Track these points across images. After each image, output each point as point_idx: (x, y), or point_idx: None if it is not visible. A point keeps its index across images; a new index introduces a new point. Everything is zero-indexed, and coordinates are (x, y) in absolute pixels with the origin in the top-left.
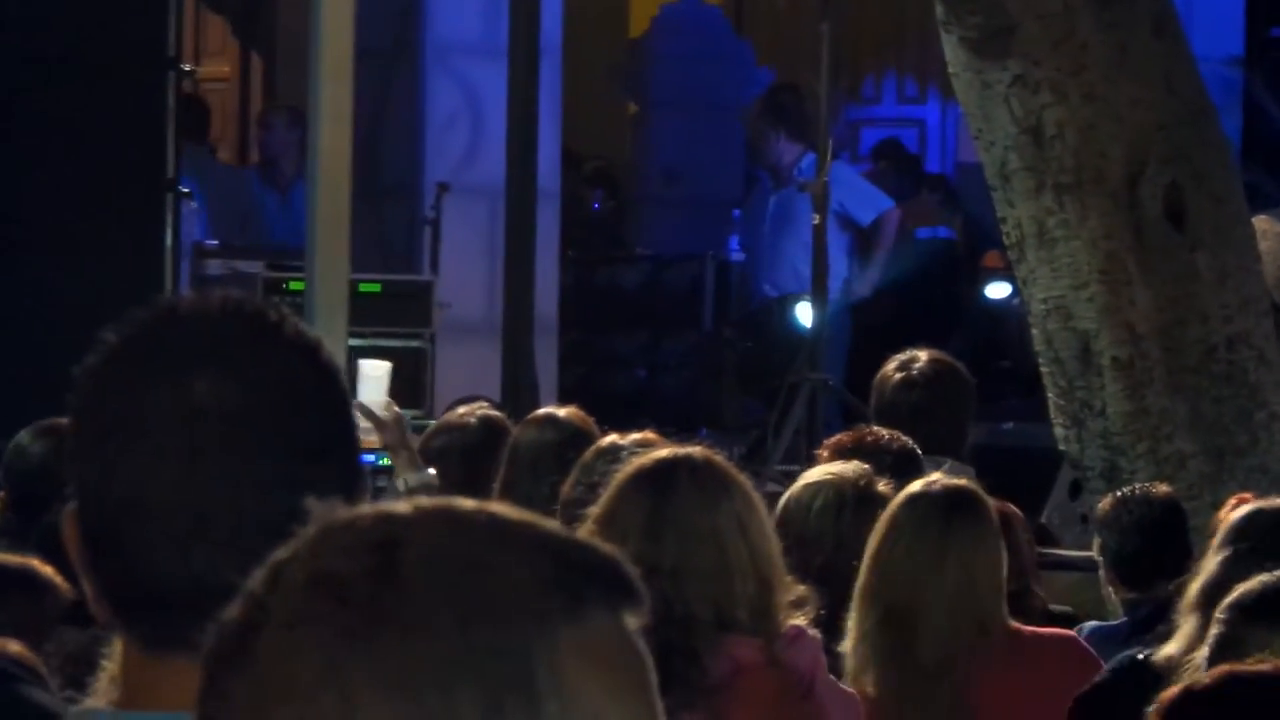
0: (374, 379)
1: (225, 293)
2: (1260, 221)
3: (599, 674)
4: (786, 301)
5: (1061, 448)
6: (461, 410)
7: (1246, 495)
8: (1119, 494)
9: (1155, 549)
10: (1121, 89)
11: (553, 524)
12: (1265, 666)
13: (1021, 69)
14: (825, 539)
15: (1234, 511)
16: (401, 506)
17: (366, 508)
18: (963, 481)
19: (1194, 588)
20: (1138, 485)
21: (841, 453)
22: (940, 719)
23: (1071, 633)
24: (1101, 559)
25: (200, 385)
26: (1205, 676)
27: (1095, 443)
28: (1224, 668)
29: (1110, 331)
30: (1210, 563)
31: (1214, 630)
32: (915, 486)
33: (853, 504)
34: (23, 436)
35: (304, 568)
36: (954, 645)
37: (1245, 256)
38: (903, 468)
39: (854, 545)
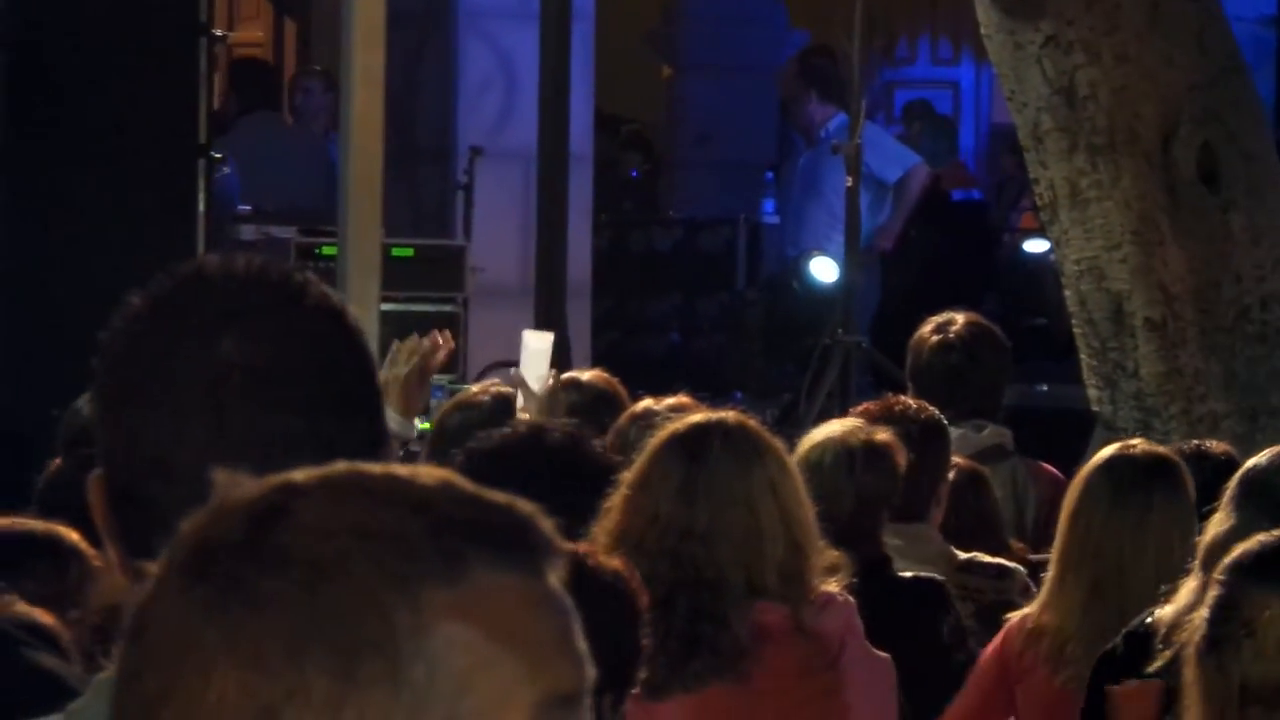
0: (536, 350)
1: (250, 256)
2: None
3: (480, 635)
4: (803, 258)
5: (1095, 409)
6: (475, 388)
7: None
8: (1177, 450)
9: (1211, 506)
10: (1154, 49)
11: (458, 483)
12: None
13: (1054, 29)
14: (844, 496)
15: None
16: (301, 474)
17: (272, 477)
18: (1162, 449)
19: (1200, 547)
20: (1195, 442)
21: (870, 419)
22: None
23: None
24: None
25: (226, 345)
26: None
27: (1128, 404)
28: None
29: (1143, 292)
30: (1217, 523)
31: (1212, 592)
32: (1111, 450)
33: (862, 458)
34: (80, 401)
35: (187, 541)
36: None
37: (1278, 216)
38: (930, 437)
39: (873, 499)
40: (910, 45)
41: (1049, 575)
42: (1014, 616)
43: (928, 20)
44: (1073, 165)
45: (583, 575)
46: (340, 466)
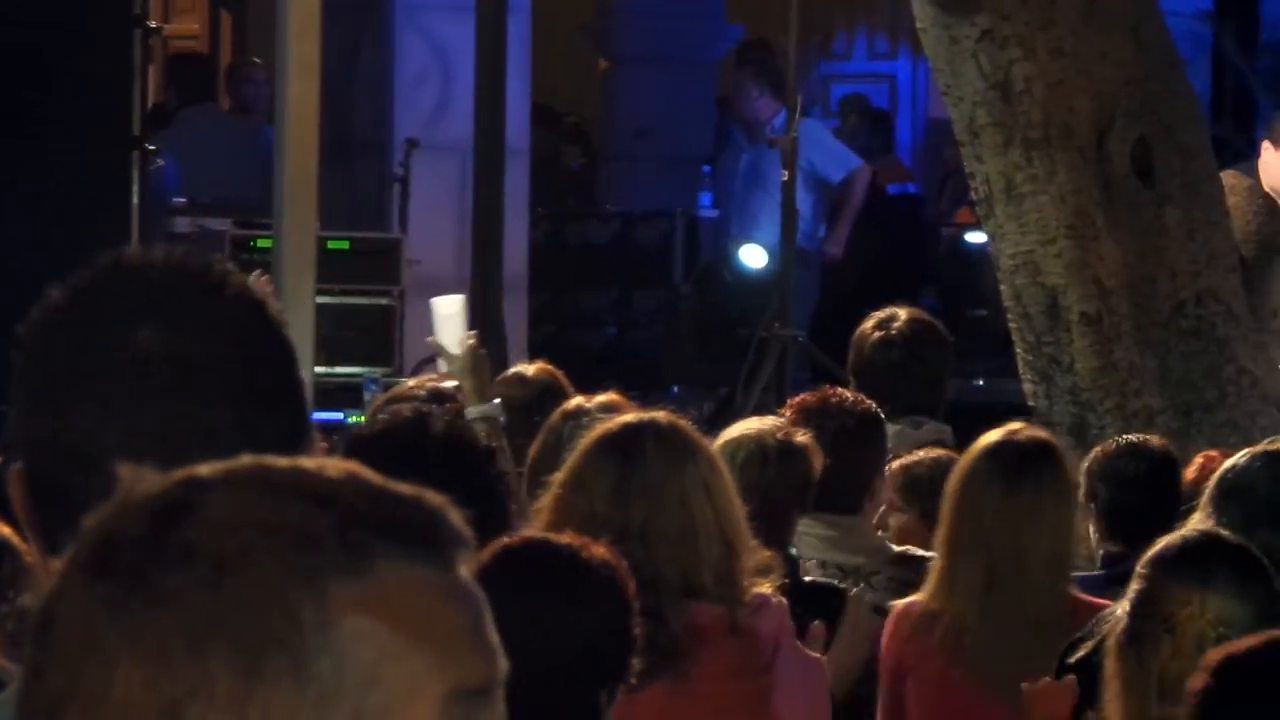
0: (447, 316)
1: (170, 247)
2: (1228, 176)
3: (387, 628)
4: (732, 246)
5: (1030, 404)
6: (411, 382)
7: (1213, 453)
8: (1115, 444)
9: (1150, 502)
10: (1090, 44)
11: (366, 476)
12: None
13: (990, 24)
14: (751, 493)
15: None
16: (206, 468)
17: (178, 471)
18: (1043, 433)
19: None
20: (1134, 436)
21: (805, 412)
22: (1015, 679)
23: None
24: (1089, 509)
25: (146, 335)
26: (1255, 638)
27: (1063, 399)
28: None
29: (1078, 287)
30: (1196, 523)
31: (1134, 585)
32: (995, 436)
33: (775, 456)
34: None
35: (90, 536)
36: (1054, 599)
37: (1213, 211)
38: (865, 430)
39: (779, 498)
40: (847, 39)
41: (937, 564)
42: (898, 606)
43: (864, 14)
44: (1008, 160)
45: (579, 567)
46: (246, 460)
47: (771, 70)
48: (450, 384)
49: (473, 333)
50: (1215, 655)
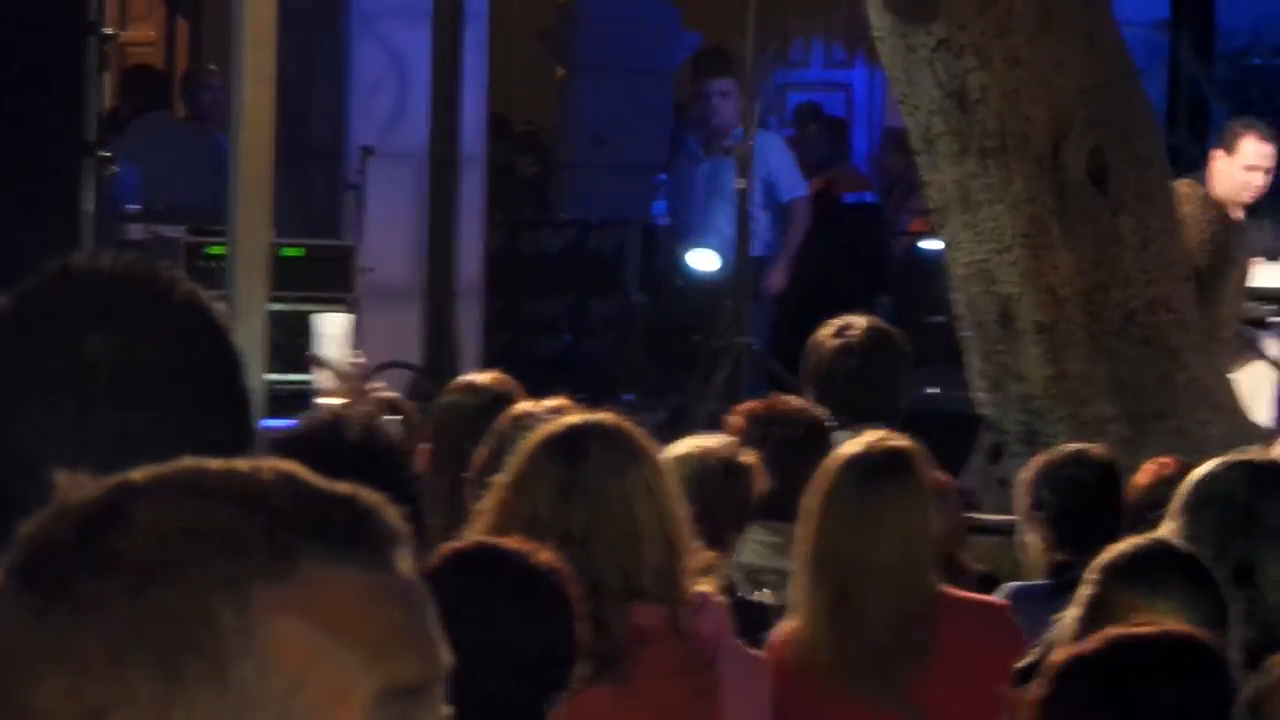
0: (331, 335)
1: (118, 254)
2: (1182, 185)
3: (313, 630)
4: (680, 250)
5: (981, 412)
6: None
7: (1167, 460)
8: (1061, 453)
9: (1097, 511)
10: (1045, 53)
11: (299, 477)
12: (1149, 629)
13: (946, 33)
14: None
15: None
16: (140, 473)
17: (111, 477)
18: (899, 442)
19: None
20: (1078, 445)
21: (753, 420)
22: (889, 685)
23: (1000, 600)
24: (1035, 517)
25: (92, 342)
26: (1092, 640)
27: (1015, 407)
28: (1110, 631)
29: (1032, 295)
30: (1167, 532)
31: (1085, 590)
32: (852, 448)
33: (718, 475)
34: None
35: (22, 544)
36: (901, 611)
37: (1167, 220)
38: (813, 439)
39: (720, 515)
40: (803, 48)
41: (795, 581)
42: (775, 633)
43: (821, 23)
44: (964, 168)
45: (528, 572)
46: (180, 464)
47: (736, 73)
48: (334, 399)
49: (356, 352)
50: (1058, 658)
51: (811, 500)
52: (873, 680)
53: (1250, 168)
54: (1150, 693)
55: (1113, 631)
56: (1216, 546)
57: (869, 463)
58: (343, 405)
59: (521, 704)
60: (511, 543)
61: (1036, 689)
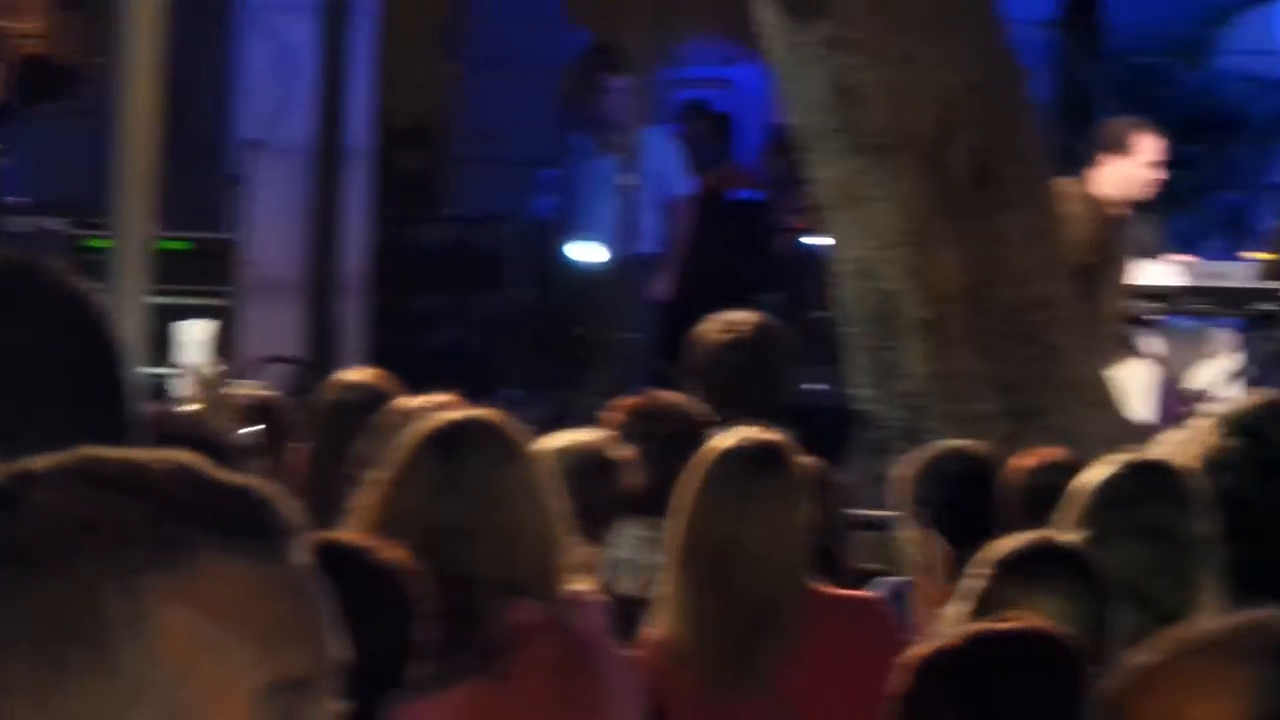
0: (193, 341)
1: None
2: (1066, 184)
3: (201, 620)
4: (561, 241)
5: (863, 408)
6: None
7: (1053, 451)
8: (941, 449)
9: (978, 506)
10: (932, 51)
11: (196, 468)
12: (1012, 624)
13: (833, 30)
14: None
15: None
16: (37, 463)
17: (8, 466)
18: (771, 436)
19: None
20: (957, 442)
21: (633, 416)
22: (757, 677)
23: (872, 595)
24: (916, 513)
25: None
26: (955, 634)
27: (897, 403)
28: (974, 625)
29: (916, 292)
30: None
31: (973, 584)
32: (725, 440)
33: (594, 470)
34: None
35: None
36: (769, 604)
37: (1050, 219)
38: (692, 435)
39: (596, 510)
40: (690, 44)
41: (667, 574)
42: (648, 632)
43: (708, 19)
44: (850, 165)
45: (364, 570)
46: (77, 454)
47: (624, 70)
48: (193, 405)
49: (212, 360)
50: (920, 652)
51: (684, 493)
52: (740, 672)
53: (1151, 164)
54: (1004, 687)
55: (973, 626)
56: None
57: (741, 455)
58: (197, 411)
59: (353, 701)
60: (353, 538)
61: (898, 682)
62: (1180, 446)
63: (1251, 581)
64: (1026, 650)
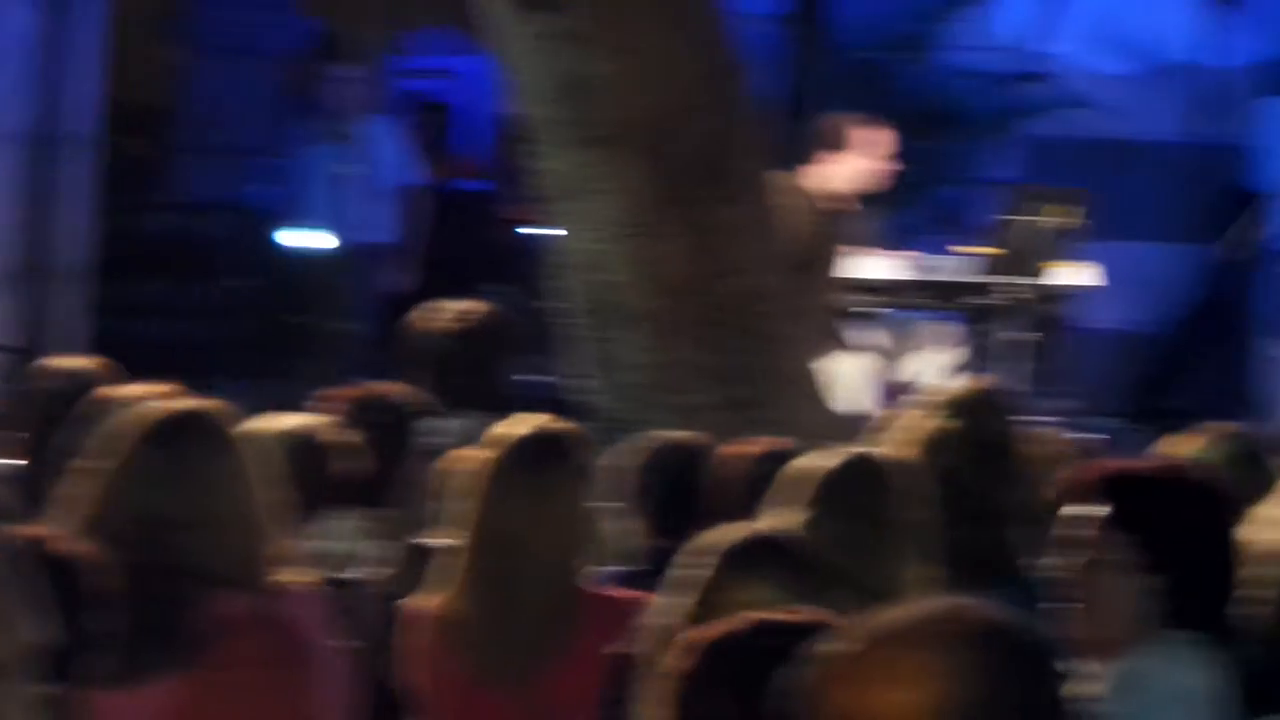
0: None
1: None
2: (785, 178)
3: None
4: (286, 231)
5: (585, 399)
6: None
7: (780, 441)
8: (660, 441)
9: (693, 497)
10: (659, 43)
11: None
12: (790, 615)
13: (561, 22)
14: (283, 488)
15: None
16: None
17: None
18: (564, 426)
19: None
20: (675, 433)
21: (350, 405)
22: (525, 673)
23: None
24: (634, 503)
25: None
26: (736, 621)
27: (619, 394)
28: (759, 613)
29: (639, 284)
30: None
31: (690, 574)
32: (518, 428)
33: (310, 459)
34: None
35: None
36: (548, 598)
37: (770, 213)
38: (407, 425)
39: (312, 499)
40: (416, 35)
41: (452, 561)
42: (409, 606)
43: (434, 10)
44: (575, 157)
45: (44, 558)
46: None
47: (339, 60)
48: None
49: None
50: (703, 634)
51: (474, 480)
52: (511, 664)
53: (876, 159)
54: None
55: (754, 615)
56: (823, 533)
57: (531, 445)
58: None
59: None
60: (34, 531)
61: (674, 662)
62: (900, 431)
63: (968, 561)
64: (807, 639)
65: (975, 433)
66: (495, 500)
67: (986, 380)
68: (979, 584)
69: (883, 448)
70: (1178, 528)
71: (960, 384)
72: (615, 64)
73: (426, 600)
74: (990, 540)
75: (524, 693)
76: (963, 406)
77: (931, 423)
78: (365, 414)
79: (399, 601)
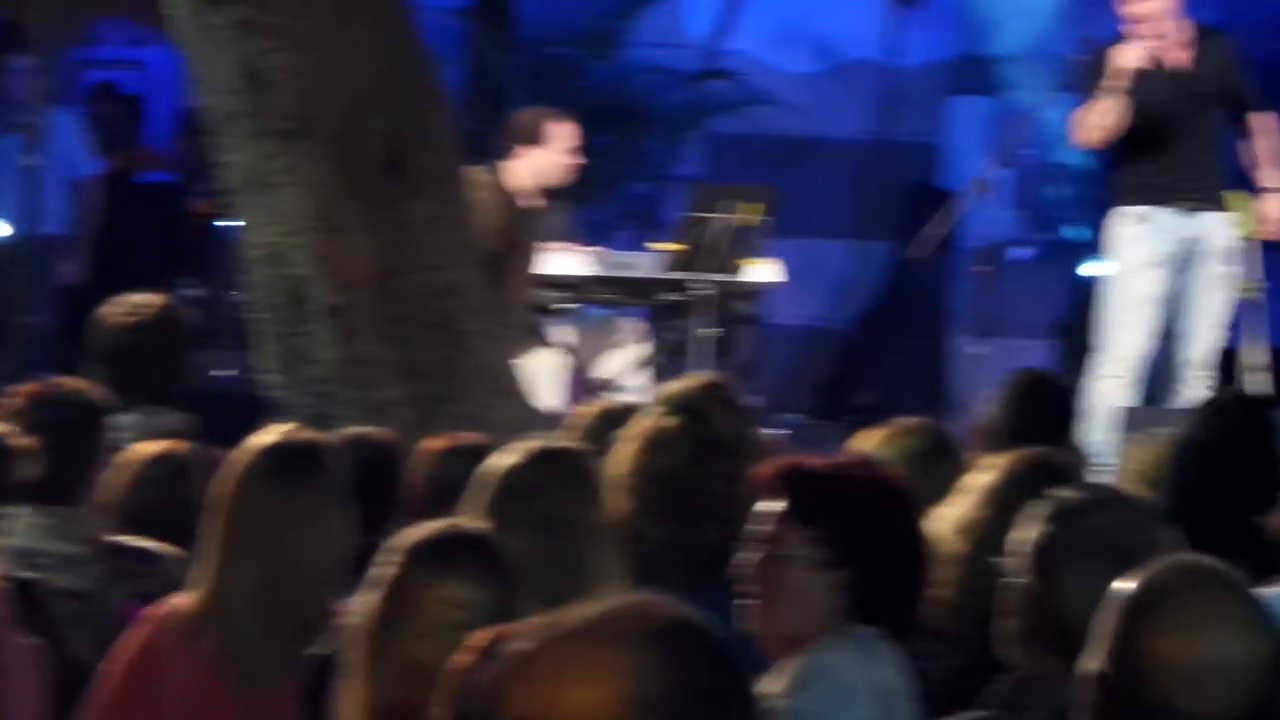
0: None
1: None
2: (478, 173)
3: None
4: None
5: (273, 394)
6: None
7: (460, 437)
8: (346, 436)
9: (381, 494)
10: (343, 36)
11: None
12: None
13: (243, 13)
14: None
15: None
16: None
17: None
18: (310, 436)
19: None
20: (361, 429)
21: (30, 402)
22: (271, 680)
23: None
24: None
25: None
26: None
27: (306, 390)
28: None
29: (325, 278)
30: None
31: (378, 573)
32: (264, 438)
33: None
34: None
35: None
36: (324, 605)
37: (459, 207)
38: (87, 421)
39: None
40: (100, 24)
41: (205, 565)
42: (159, 607)
43: (118, 1)
44: (260, 150)
45: None
46: None
47: (18, 48)
48: None
49: None
50: (480, 638)
51: (225, 487)
52: (258, 671)
53: (565, 154)
54: None
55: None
56: (513, 531)
57: (278, 455)
58: None
59: None
60: None
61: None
62: (578, 427)
63: (684, 560)
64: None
65: (697, 431)
66: (241, 509)
67: (710, 377)
68: (695, 582)
69: (567, 442)
70: (855, 522)
71: (683, 381)
72: (297, 56)
73: (169, 604)
74: (707, 538)
75: (262, 702)
76: (684, 404)
77: (651, 420)
78: (44, 410)
79: (138, 603)
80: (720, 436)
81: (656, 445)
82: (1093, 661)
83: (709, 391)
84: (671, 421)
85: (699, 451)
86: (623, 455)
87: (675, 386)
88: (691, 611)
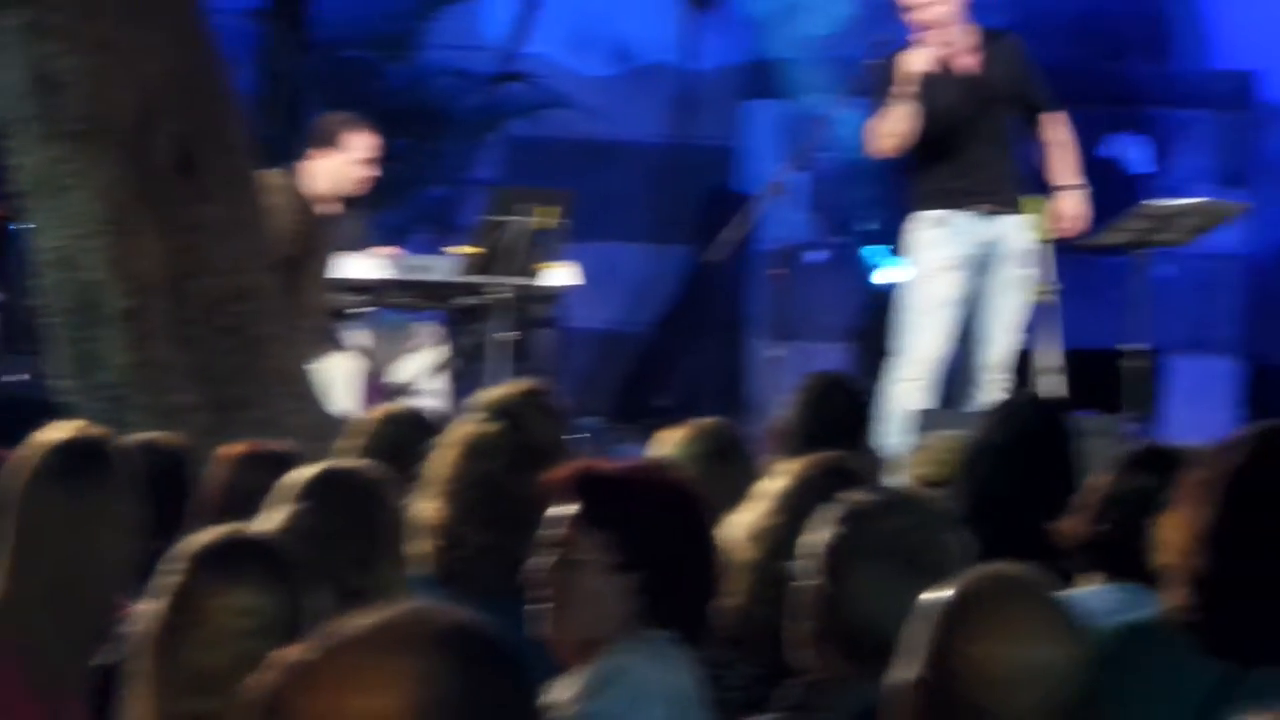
0: None
1: None
2: (272, 176)
3: None
4: None
5: (65, 399)
6: None
7: (254, 444)
8: (139, 442)
9: (172, 500)
10: (133, 37)
11: None
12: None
13: (31, 15)
14: None
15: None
16: None
17: None
18: (97, 432)
19: None
20: (151, 435)
21: None
22: (72, 683)
23: None
24: None
25: None
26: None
27: (98, 395)
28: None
29: (117, 282)
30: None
31: (163, 581)
32: (52, 434)
33: None
34: None
35: None
36: (115, 605)
37: (253, 210)
38: None
39: None
40: None
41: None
42: None
43: None
44: (48, 153)
45: None
46: None
47: None
48: None
49: None
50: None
51: (13, 485)
52: (48, 679)
53: (364, 160)
54: None
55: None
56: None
57: (71, 453)
58: None
59: None
60: None
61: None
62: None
63: (504, 563)
64: None
65: (516, 437)
66: (28, 506)
67: (529, 384)
68: (513, 588)
69: (352, 453)
70: (647, 526)
71: (503, 387)
72: (87, 59)
73: None
74: (526, 544)
75: (63, 703)
76: (504, 410)
77: (471, 426)
78: None
79: None
80: (539, 443)
81: (476, 451)
82: (907, 669)
83: (528, 398)
84: (491, 427)
85: (518, 457)
86: (442, 460)
87: (495, 392)
88: (475, 617)
